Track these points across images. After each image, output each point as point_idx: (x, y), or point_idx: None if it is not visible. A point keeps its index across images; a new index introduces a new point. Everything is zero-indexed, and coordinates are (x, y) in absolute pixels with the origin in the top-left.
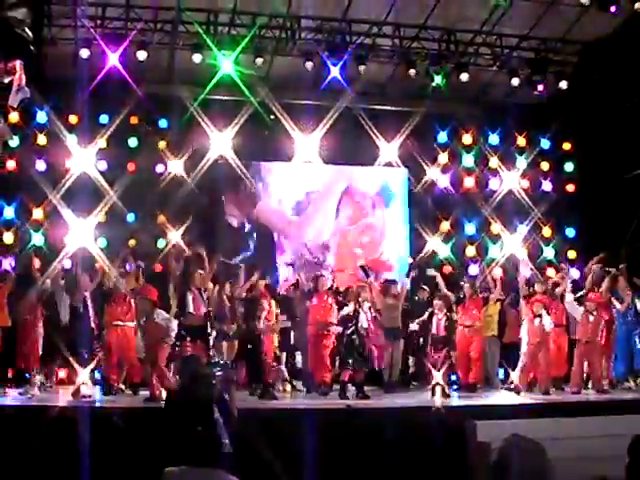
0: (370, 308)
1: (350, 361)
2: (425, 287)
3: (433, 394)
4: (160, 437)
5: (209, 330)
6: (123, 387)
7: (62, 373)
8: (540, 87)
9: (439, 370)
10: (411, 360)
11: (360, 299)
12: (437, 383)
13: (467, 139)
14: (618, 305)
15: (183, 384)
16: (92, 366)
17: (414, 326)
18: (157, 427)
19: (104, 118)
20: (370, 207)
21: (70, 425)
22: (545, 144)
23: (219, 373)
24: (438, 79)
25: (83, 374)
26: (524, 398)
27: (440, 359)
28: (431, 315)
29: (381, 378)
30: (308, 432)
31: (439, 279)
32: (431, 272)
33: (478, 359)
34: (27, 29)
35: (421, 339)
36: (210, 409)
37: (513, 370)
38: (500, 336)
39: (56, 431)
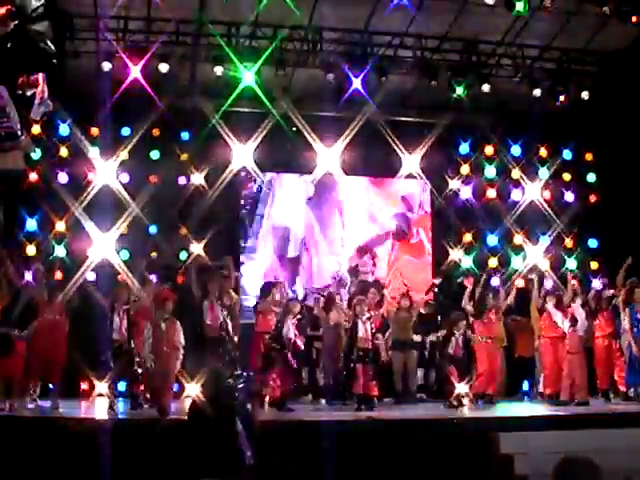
0: (369, 319)
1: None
2: (432, 302)
3: (459, 405)
4: (182, 450)
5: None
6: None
7: (84, 385)
8: (562, 98)
9: (467, 382)
10: (420, 373)
11: (357, 312)
12: (465, 394)
13: (489, 150)
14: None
15: (206, 396)
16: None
17: (432, 338)
18: (179, 440)
19: (126, 130)
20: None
21: (92, 438)
22: (567, 155)
23: (242, 385)
24: (460, 90)
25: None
26: (548, 410)
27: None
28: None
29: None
30: (328, 444)
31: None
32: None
33: (501, 371)
34: (49, 42)
35: (437, 353)
36: (232, 421)
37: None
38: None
39: (77, 444)
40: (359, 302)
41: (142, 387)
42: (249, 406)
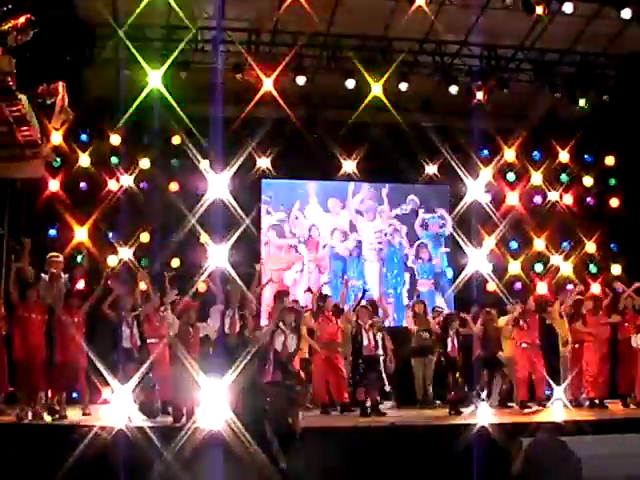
0: (371, 326)
1: (359, 380)
2: (440, 308)
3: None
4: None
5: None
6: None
7: (106, 393)
8: (582, 102)
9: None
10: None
11: (360, 321)
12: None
13: (509, 155)
14: None
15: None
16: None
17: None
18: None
19: (146, 138)
20: None
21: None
22: (588, 159)
23: (280, 395)
24: (480, 95)
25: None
26: (573, 414)
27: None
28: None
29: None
30: (351, 450)
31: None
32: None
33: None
34: (69, 51)
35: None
36: (262, 429)
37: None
38: None
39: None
40: (361, 310)
41: (156, 395)
42: (289, 414)
